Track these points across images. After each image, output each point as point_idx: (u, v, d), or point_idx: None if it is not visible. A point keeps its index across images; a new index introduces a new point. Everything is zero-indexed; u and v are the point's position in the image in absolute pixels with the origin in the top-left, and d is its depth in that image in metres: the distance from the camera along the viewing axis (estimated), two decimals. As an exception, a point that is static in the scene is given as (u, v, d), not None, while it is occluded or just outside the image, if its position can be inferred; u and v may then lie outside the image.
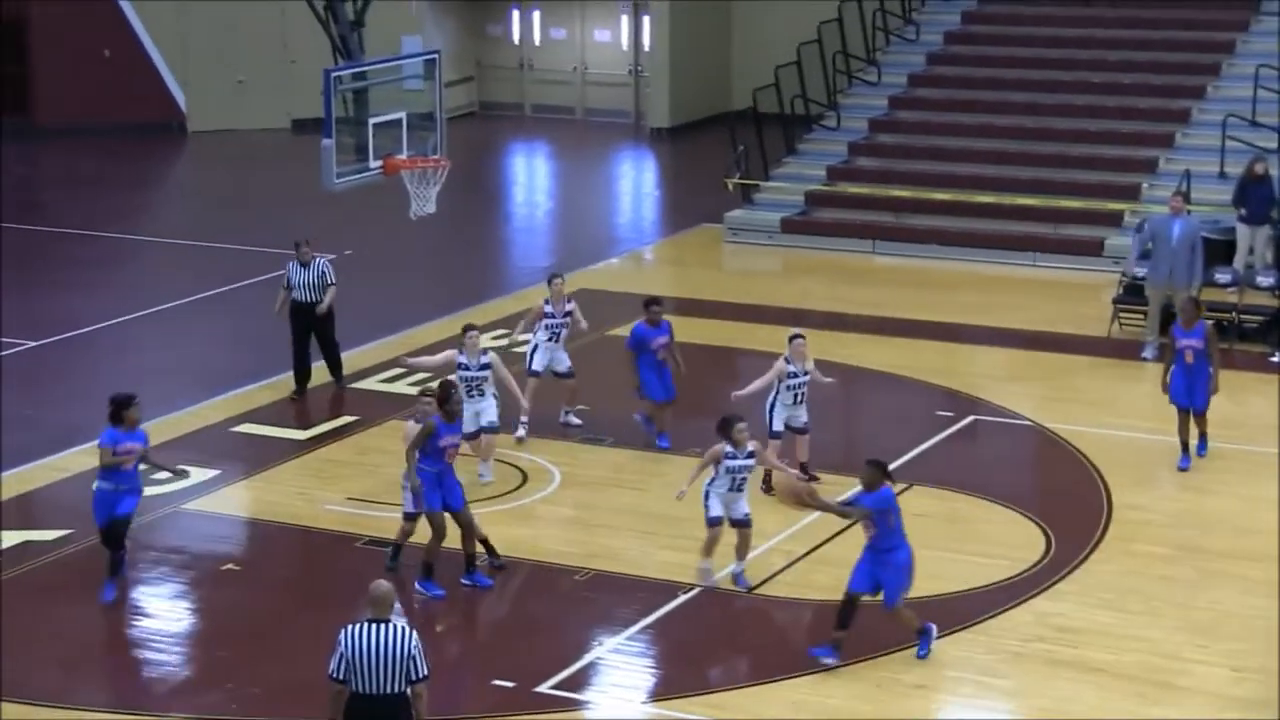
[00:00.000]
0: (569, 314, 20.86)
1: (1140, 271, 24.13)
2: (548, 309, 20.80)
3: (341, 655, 12.24)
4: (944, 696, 15.09)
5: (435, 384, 19.57)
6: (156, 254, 30.34)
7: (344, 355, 22.81)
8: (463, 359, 19.24)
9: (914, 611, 15.43)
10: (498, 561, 17.25)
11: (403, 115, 21.90)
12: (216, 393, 22.36)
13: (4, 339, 24.40)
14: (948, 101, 31.93)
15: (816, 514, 17.07)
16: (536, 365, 20.77)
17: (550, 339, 20.79)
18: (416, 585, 16.67)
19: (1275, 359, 23.30)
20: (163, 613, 16.69)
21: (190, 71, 39.37)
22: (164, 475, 18.30)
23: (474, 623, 16.92)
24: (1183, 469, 19.69)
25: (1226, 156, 28.20)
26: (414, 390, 20.60)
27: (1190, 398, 19.56)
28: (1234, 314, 24.13)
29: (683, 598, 16.64)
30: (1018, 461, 20.76)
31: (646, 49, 39.95)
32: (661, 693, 15.17)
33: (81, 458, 19.57)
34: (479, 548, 17.07)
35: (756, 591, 16.82)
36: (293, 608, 16.74)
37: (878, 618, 15.35)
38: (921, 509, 18.58)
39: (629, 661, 15.69)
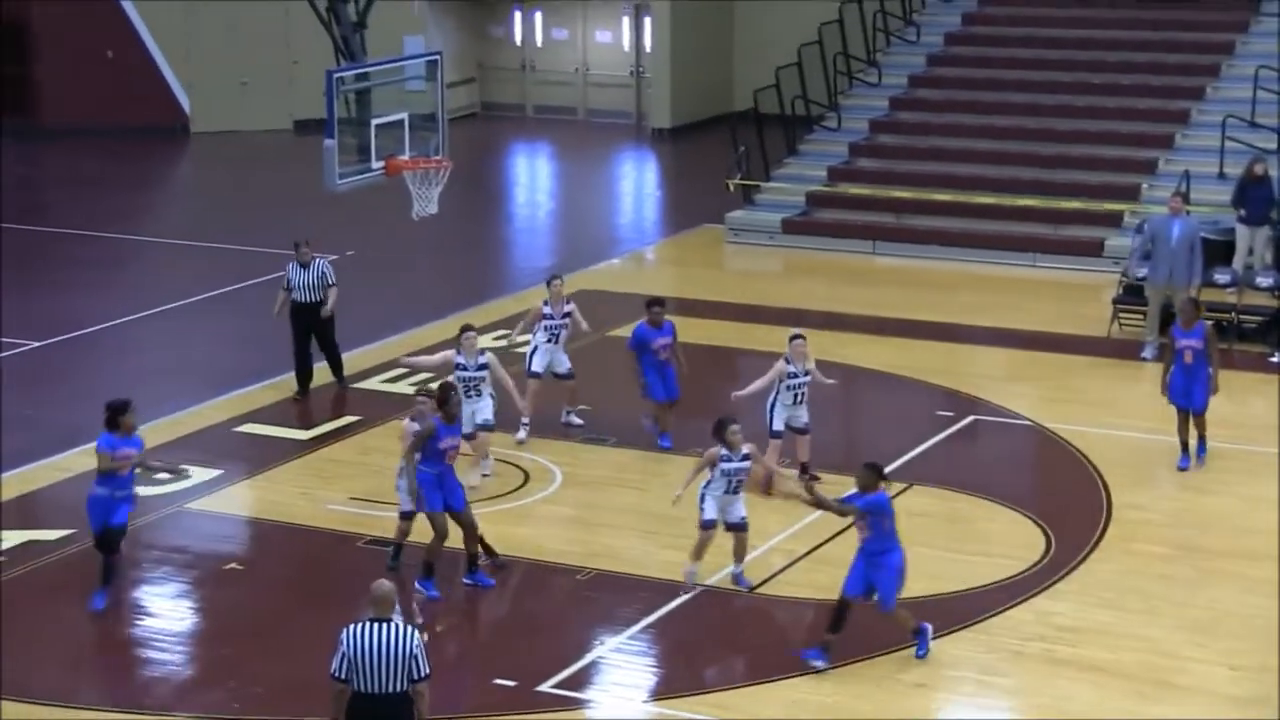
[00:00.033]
0: (568, 315, 20.91)
1: (1142, 273, 24.17)
2: (546, 310, 20.85)
3: (343, 654, 12.28)
4: (944, 695, 15.14)
5: (432, 383, 19.75)
6: (159, 254, 30.40)
7: (346, 355, 22.88)
8: (460, 359, 19.30)
9: (909, 611, 15.48)
10: (498, 560, 17.31)
11: (405, 116, 21.92)
12: (219, 393, 22.42)
13: (8, 339, 24.46)
14: (948, 102, 31.98)
15: (817, 513, 17.13)
16: (536, 366, 20.82)
17: (549, 340, 20.83)
18: (416, 585, 16.71)
19: (1274, 359, 23.35)
20: (165, 612, 16.75)
21: (193, 72, 39.42)
22: (165, 476, 18.36)
23: (475, 622, 16.98)
24: (1182, 469, 19.74)
25: (1226, 157, 28.25)
26: (415, 390, 20.64)
27: (1189, 398, 19.60)
28: (1233, 314, 24.18)
29: (684, 597, 16.68)
30: (1018, 461, 20.80)
31: (648, 50, 40.00)
32: (663, 692, 15.22)
33: (84, 458, 19.57)
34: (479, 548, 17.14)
35: (757, 591, 16.87)
36: (295, 607, 16.79)
37: (877, 616, 15.39)
38: (922, 509, 18.65)
39: (630, 661, 15.74)
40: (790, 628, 16.24)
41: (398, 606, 12.59)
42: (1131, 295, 24.68)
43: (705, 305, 26.08)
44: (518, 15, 41.56)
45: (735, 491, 16.73)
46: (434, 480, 16.69)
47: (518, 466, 19.97)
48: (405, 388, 22.20)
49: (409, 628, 12.42)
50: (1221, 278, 24.60)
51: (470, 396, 19.01)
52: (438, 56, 22.72)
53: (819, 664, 15.21)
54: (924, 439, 20.73)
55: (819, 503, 15.52)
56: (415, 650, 12.30)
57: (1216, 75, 31.00)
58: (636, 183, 37.26)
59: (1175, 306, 21.47)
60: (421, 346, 22.87)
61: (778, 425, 18.92)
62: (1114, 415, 21.50)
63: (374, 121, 21.54)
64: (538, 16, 41.38)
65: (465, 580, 17.00)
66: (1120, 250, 27.20)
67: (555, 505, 19.16)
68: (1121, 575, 17.21)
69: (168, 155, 38.73)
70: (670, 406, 20.41)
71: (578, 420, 21.07)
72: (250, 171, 36.61)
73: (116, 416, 16.45)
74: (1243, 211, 25.69)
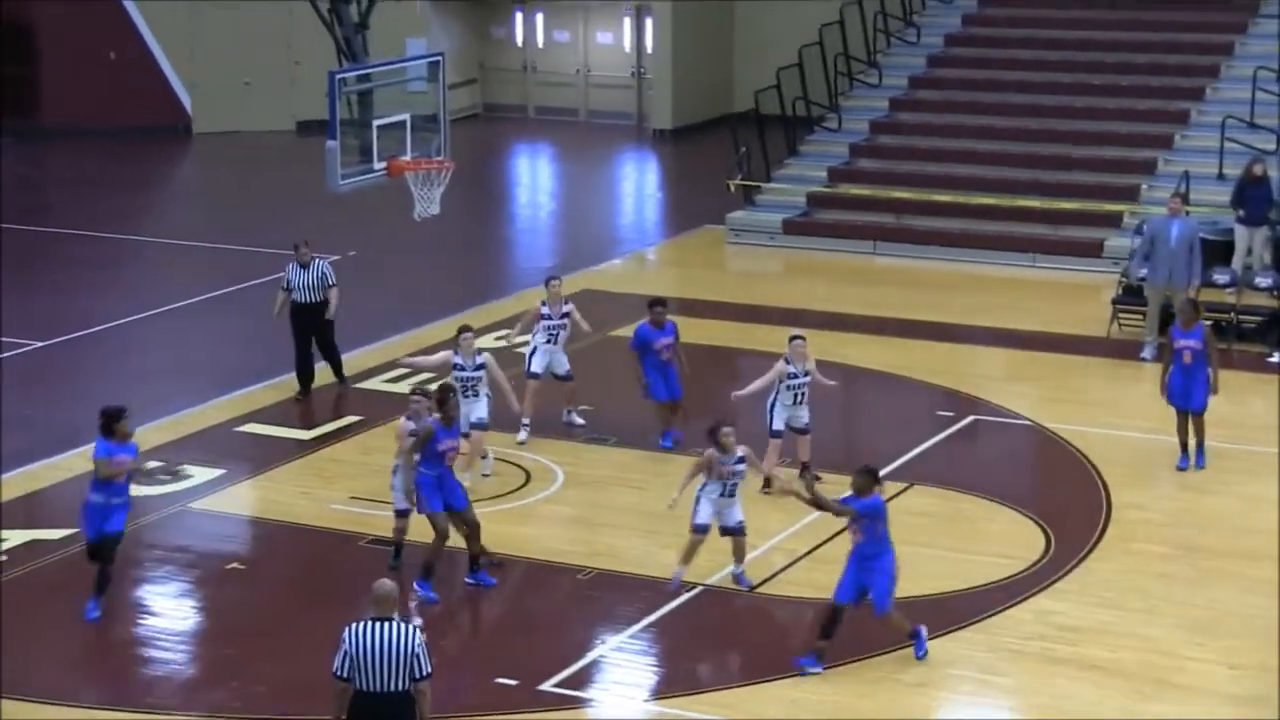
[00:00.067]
0: (566, 315, 20.94)
1: (1143, 273, 24.21)
2: (544, 310, 20.89)
3: (345, 653, 12.32)
4: (944, 694, 15.18)
5: (426, 382, 19.80)
6: (161, 255, 30.44)
7: (349, 356, 22.94)
8: (458, 359, 19.35)
9: (903, 614, 15.48)
10: (494, 559, 17.34)
11: (407, 117, 21.97)
12: (221, 393, 22.47)
13: (11, 339, 24.51)
14: (948, 103, 32.03)
15: (818, 513, 17.13)
16: (536, 367, 20.87)
17: (548, 341, 20.86)
18: (414, 586, 16.73)
19: (1273, 359, 23.40)
20: (168, 611, 16.79)
21: (195, 73, 39.48)
22: (164, 478, 18.39)
23: (477, 621, 17.03)
24: (1181, 469, 19.79)
25: (1225, 158, 28.30)
26: (411, 390, 20.65)
27: (1187, 399, 19.65)
28: (1232, 314, 24.23)
29: (685, 597, 16.75)
30: (1018, 461, 20.85)
31: (649, 51, 40.05)
32: (664, 691, 15.27)
33: (86, 459, 19.55)
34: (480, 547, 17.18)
35: (758, 590, 16.92)
36: (297, 606, 16.83)
37: (874, 618, 15.43)
38: (922, 509, 18.71)
39: (631, 660, 15.78)
40: (791, 627, 16.28)
41: (411, 607, 12.62)
42: (1131, 295, 24.74)
43: (706, 305, 26.13)
44: (519, 16, 41.61)
45: (731, 495, 16.74)
46: (434, 482, 16.73)
47: (519, 466, 20.02)
48: (406, 388, 22.18)
49: (411, 627, 12.47)
50: (1220, 278, 24.65)
51: (467, 397, 19.05)
52: (440, 58, 22.78)
53: (815, 670, 15.23)
54: (924, 439, 20.77)
55: (818, 502, 15.52)
56: (417, 649, 12.33)
57: (1216, 76, 31.05)
58: (637, 183, 37.32)
59: (1175, 307, 21.53)
60: (423, 346, 22.91)
61: (778, 425, 18.97)
62: (1114, 415, 21.55)
63: (376, 122, 21.60)
64: (539, 18, 41.44)
65: (467, 579, 17.05)
66: (1120, 251, 27.26)
67: (557, 505, 19.20)
68: (1121, 575, 17.26)
69: (170, 156, 38.78)
70: (674, 406, 20.46)
71: (579, 420, 21.12)
72: (252, 172, 36.66)
73: (111, 423, 16.29)
74: (1242, 212, 25.72)
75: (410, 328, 24.89)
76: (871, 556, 15.22)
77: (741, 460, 16.71)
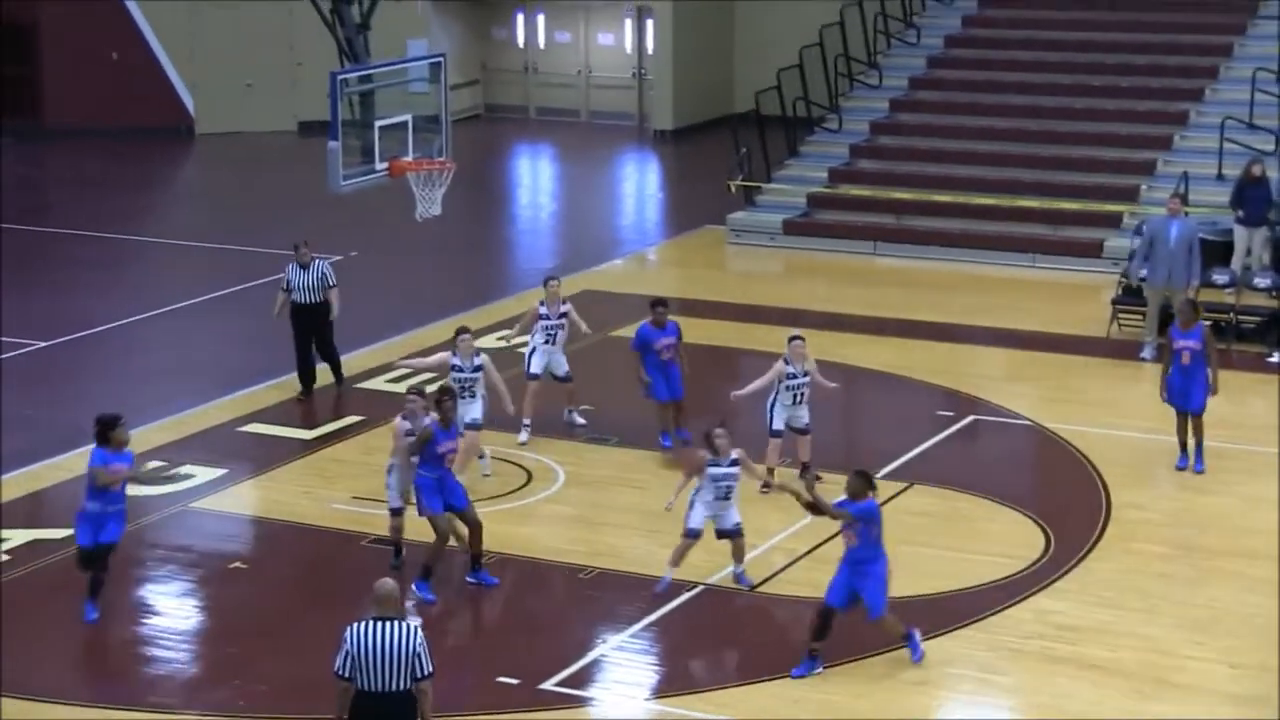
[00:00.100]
0: (563, 315, 20.96)
1: (1143, 273, 24.24)
2: (542, 310, 20.92)
3: (347, 653, 12.35)
4: (943, 693, 15.22)
5: (425, 382, 19.82)
6: (163, 255, 30.48)
7: (351, 356, 22.99)
8: (456, 361, 19.38)
9: (896, 617, 15.49)
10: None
11: (408, 118, 22.01)
12: (224, 393, 22.50)
13: (13, 340, 24.55)
14: (948, 104, 32.07)
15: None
16: (535, 368, 20.90)
17: (546, 341, 20.88)
18: (413, 587, 16.74)
19: (1273, 359, 23.44)
20: (170, 610, 16.84)
21: (197, 74, 39.52)
22: (162, 479, 18.44)
23: (479, 620, 17.06)
24: (1180, 468, 19.83)
25: (1224, 159, 28.34)
26: (407, 390, 20.69)
27: (1186, 400, 19.68)
28: (1231, 315, 24.28)
29: (685, 596, 16.79)
30: (1017, 461, 20.89)
31: (650, 52, 40.09)
32: (664, 690, 15.32)
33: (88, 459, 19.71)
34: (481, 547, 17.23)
35: (758, 590, 16.97)
36: (299, 606, 16.88)
37: (873, 616, 15.52)
38: (922, 508, 18.76)
39: (632, 659, 15.82)
40: (791, 626, 16.28)
41: (410, 606, 12.65)
42: (1130, 296, 24.78)
43: (706, 306, 26.17)
44: (520, 18, 41.65)
45: (726, 497, 16.75)
46: (434, 484, 16.77)
47: (520, 466, 20.07)
48: (406, 388, 22.27)
49: (413, 626, 12.51)
50: (1220, 278, 24.70)
51: (464, 398, 19.03)
52: (441, 58, 22.83)
53: (817, 671, 15.27)
54: (924, 439, 20.81)
55: (815, 505, 15.44)
56: (419, 648, 12.36)
57: (1215, 77, 31.09)
58: (638, 184, 37.35)
59: (1174, 307, 21.57)
60: (424, 347, 22.95)
61: (777, 425, 19.01)
62: (1113, 415, 21.59)
63: (378, 123, 21.64)
64: (540, 19, 41.48)
65: (469, 579, 17.09)
66: (1119, 251, 27.31)
67: (558, 504, 19.25)
68: (1121, 574, 17.30)
69: (172, 156, 38.82)
70: (677, 407, 20.49)
71: (580, 419, 21.16)
72: (254, 173, 36.71)
73: (107, 431, 16.20)
74: (1241, 212, 25.76)
75: (412, 328, 24.93)
76: (864, 561, 15.21)
77: (735, 463, 16.72)
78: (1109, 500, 19.07)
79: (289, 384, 22.52)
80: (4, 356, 23.88)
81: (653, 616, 16.43)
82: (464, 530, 17.01)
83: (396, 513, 17.40)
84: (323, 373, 22.58)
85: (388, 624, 12.37)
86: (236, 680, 15.39)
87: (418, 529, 17.23)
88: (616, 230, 32.70)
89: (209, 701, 15.05)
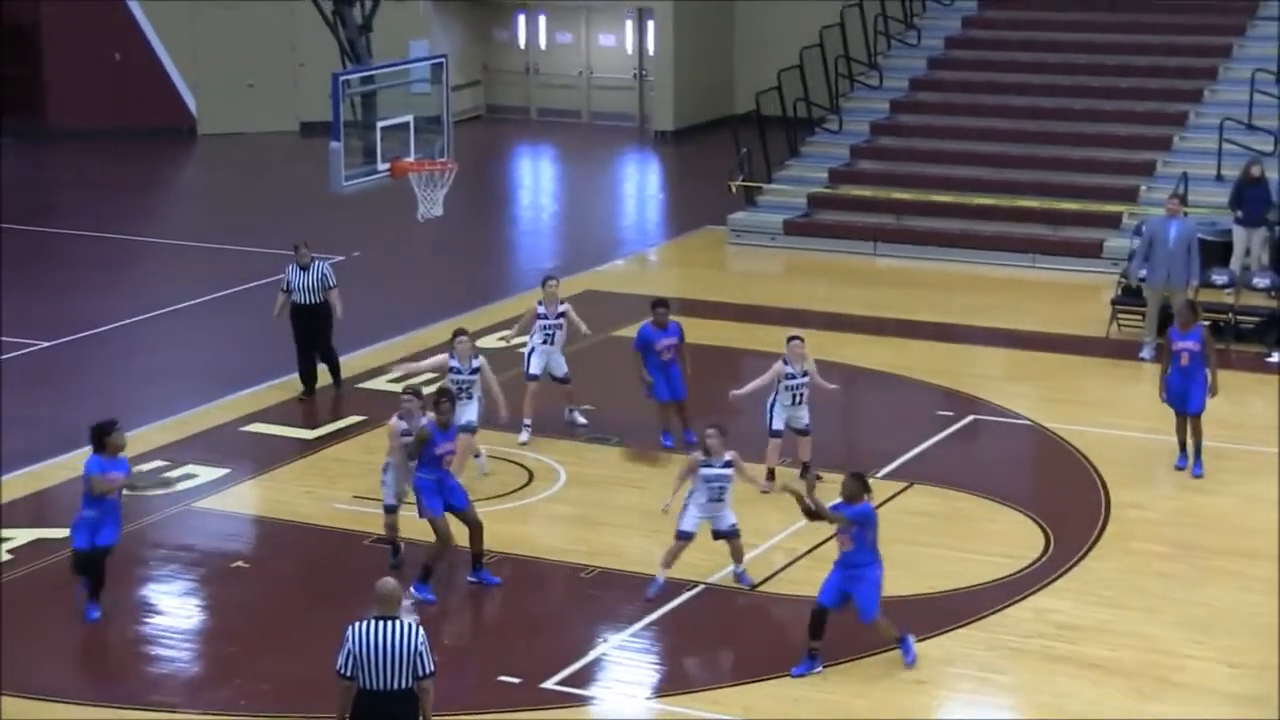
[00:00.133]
0: (562, 315, 20.99)
1: (1142, 274, 24.28)
2: (541, 310, 20.95)
3: (349, 652, 12.40)
4: (943, 692, 15.26)
5: (425, 383, 19.85)
6: (166, 255, 30.52)
7: (352, 356, 23.02)
8: (454, 363, 19.40)
9: (889, 620, 15.50)
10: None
11: (410, 119, 22.05)
12: (226, 393, 22.54)
13: (15, 340, 24.59)
14: (948, 105, 32.11)
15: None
16: (534, 369, 20.92)
17: (545, 341, 20.90)
18: (412, 588, 16.73)
19: (1272, 359, 23.48)
20: (172, 609, 16.89)
21: (199, 74, 39.55)
22: (161, 479, 18.47)
23: (480, 619, 17.10)
24: (1180, 468, 19.87)
25: (1223, 159, 28.36)
26: (402, 389, 20.70)
27: (1185, 400, 19.70)
28: (1230, 315, 24.31)
29: (685, 595, 16.83)
30: (1017, 461, 20.92)
31: (651, 53, 40.12)
32: (665, 688, 15.36)
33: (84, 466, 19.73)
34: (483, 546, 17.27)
35: (759, 589, 17.01)
36: (301, 605, 16.91)
37: (876, 615, 15.55)
38: (922, 508, 18.80)
39: (633, 658, 15.86)
40: (791, 625, 16.27)
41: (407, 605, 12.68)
42: (1130, 296, 24.82)
43: (707, 306, 26.21)
44: (522, 19, 41.69)
45: (719, 499, 16.75)
46: (433, 486, 16.79)
47: (522, 466, 20.11)
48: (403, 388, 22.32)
49: (414, 625, 12.55)
50: (1219, 279, 24.73)
51: (460, 400, 19.04)
52: (443, 59, 22.88)
53: (817, 670, 15.31)
54: (924, 439, 20.85)
55: (816, 508, 15.35)
56: (420, 647, 12.41)
57: (1214, 78, 31.13)
58: (639, 185, 37.38)
59: (1173, 308, 21.61)
60: (426, 347, 23.00)
61: (777, 425, 19.05)
62: (1113, 415, 21.62)
63: (379, 124, 21.69)
64: (541, 20, 41.50)
65: (470, 578, 17.13)
66: (1119, 251, 27.34)
67: (559, 504, 19.29)
68: (1120, 574, 17.34)
69: (174, 157, 38.84)
70: (679, 408, 20.51)
71: (581, 419, 21.20)
72: (256, 173, 36.75)
73: (103, 437, 16.19)
74: (1240, 213, 25.79)
75: (413, 328, 24.96)
76: (858, 565, 15.20)
77: (729, 464, 16.75)
78: (1108, 500, 19.10)
79: (290, 384, 22.56)
80: (6, 357, 23.93)
81: (653, 616, 16.46)
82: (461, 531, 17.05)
83: (390, 510, 17.46)
84: (323, 373, 22.61)
85: (389, 623, 12.41)
86: (238, 679, 15.43)
87: (418, 529, 17.26)
88: (617, 231, 32.73)
89: (211, 700, 15.09)
